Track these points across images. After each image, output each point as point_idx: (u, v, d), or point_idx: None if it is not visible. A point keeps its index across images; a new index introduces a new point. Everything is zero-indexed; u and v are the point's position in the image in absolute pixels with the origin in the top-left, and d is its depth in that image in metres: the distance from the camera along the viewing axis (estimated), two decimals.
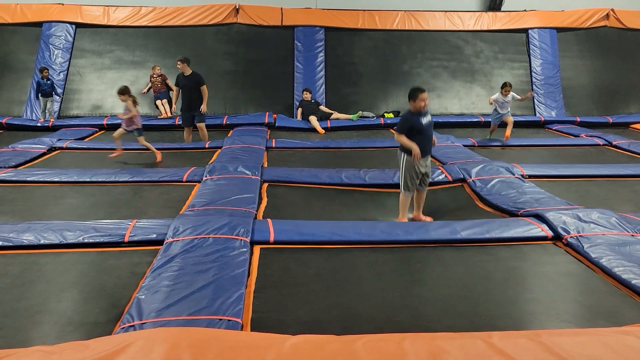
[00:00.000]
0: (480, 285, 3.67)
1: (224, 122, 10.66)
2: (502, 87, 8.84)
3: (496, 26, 12.78)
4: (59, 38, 11.79)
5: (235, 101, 11.69)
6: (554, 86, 12.37)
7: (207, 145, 8.42)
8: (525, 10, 12.99)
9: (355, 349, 2.52)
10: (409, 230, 4.49)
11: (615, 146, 8.64)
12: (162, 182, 6.18)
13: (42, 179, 6.18)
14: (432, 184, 6.15)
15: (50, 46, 11.69)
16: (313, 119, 10.67)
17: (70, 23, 11.93)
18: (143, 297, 3.23)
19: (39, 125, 10.42)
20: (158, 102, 11.23)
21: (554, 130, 10.79)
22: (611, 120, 11.57)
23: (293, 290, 3.55)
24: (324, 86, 11.92)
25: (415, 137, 5.20)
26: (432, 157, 6.61)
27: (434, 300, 3.46)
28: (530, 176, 6.41)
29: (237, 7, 12.26)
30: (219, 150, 7.85)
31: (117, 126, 10.46)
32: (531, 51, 12.61)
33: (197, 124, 8.86)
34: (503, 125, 8.96)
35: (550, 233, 4.44)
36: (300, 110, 11.18)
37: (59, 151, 8.19)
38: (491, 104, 9.01)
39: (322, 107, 11.21)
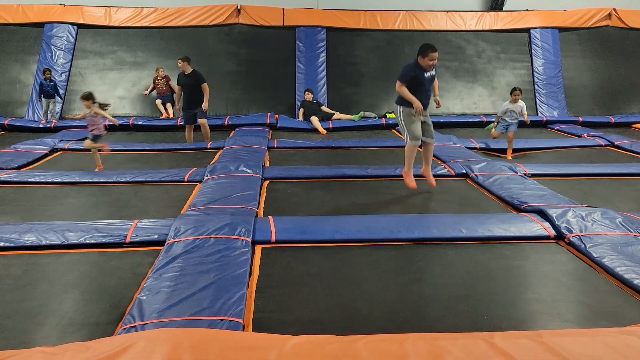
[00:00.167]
0: (482, 284, 3.67)
1: (226, 122, 10.68)
2: (511, 92, 8.09)
3: (498, 26, 12.78)
4: (61, 39, 11.82)
5: (237, 102, 11.70)
6: (556, 86, 12.36)
7: (208, 146, 8.43)
8: (527, 10, 12.99)
9: (356, 349, 2.51)
10: (411, 227, 4.48)
11: (618, 146, 8.62)
12: (163, 182, 6.19)
13: (43, 180, 6.19)
14: (434, 176, 6.19)
15: (52, 47, 11.71)
16: (315, 120, 10.67)
17: (72, 24, 11.96)
18: (144, 297, 3.23)
19: (41, 126, 10.44)
20: (158, 101, 11.24)
21: (556, 130, 10.79)
22: (613, 120, 11.56)
23: (294, 290, 3.55)
24: (325, 86, 11.93)
25: (415, 92, 5.22)
26: (434, 156, 6.65)
27: (435, 299, 3.46)
28: (532, 175, 6.41)
29: (239, 7, 12.27)
30: (221, 151, 7.87)
31: (118, 126, 10.53)
32: (533, 51, 12.60)
33: (199, 120, 8.87)
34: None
35: (552, 232, 4.44)
36: (301, 110, 11.18)
37: (61, 152, 8.20)
38: (497, 124, 8.24)
39: (324, 108, 11.22)
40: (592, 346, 2.57)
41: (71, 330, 3.03)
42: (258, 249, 4.15)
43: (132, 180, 6.21)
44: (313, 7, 12.70)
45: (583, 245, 4.12)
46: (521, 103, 8.09)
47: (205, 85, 8.66)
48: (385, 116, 11.33)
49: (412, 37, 12.45)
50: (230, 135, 9.43)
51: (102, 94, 11.57)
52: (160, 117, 11.14)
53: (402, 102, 5.40)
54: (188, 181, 6.22)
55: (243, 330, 2.97)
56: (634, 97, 12.53)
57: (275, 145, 8.52)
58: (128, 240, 4.23)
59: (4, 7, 11.94)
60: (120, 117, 11.06)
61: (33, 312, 3.23)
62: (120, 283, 3.62)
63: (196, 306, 3.11)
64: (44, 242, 4.17)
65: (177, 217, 4.66)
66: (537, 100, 12.08)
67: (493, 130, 8.40)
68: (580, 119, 11.46)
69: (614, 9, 12.97)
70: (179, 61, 8.68)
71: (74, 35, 11.93)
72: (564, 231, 4.37)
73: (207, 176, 6.15)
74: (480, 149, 8.51)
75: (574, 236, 4.28)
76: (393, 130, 10.61)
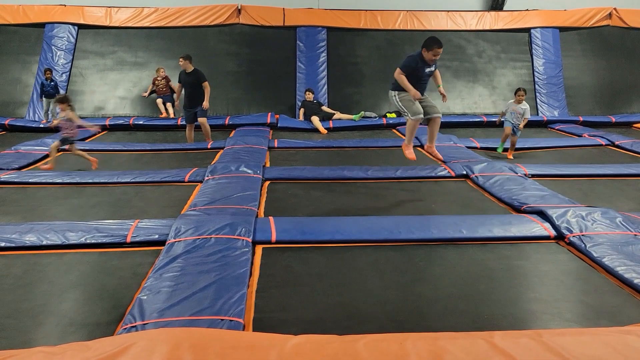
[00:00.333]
0: (482, 284, 3.67)
1: (227, 122, 10.69)
2: (515, 93, 7.87)
3: (498, 26, 12.78)
4: (62, 39, 11.83)
5: (238, 101, 11.71)
6: (557, 85, 12.36)
7: (209, 146, 8.44)
8: (527, 10, 12.98)
9: (357, 349, 2.51)
10: (411, 228, 4.49)
11: (618, 146, 8.62)
12: (164, 183, 6.20)
13: (44, 180, 6.20)
14: (435, 177, 6.20)
15: (53, 47, 11.72)
16: (315, 119, 10.68)
17: (73, 24, 11.98)
18: (145, 297, 3.23)
19: (42, 126, 10.44)
20: (159, 100, 11.25)
21: (557, 129, 10.79)
22: (614, 120, 11.56)
23: (295, 290, 3.55)
24: (326, 86, 11.93)
25: (412, 84, 5.26)
26: (434, 156, 6.66)
27: (436, 299, 3.46)
28: (533, 175, 6.41)
29: (239, 7, 12.28)
30: (221, 151, 7.87)
31: (120, 127, 10.58)
32: (534, 51, 12.60)
33: (199, 119, 8.88)
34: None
35: (552, 232, 4.44)
36: (302, 110, 11.19)
37: (61, 152, 8.19)
38: (499, 123, 8.26)
39: (325, 108, 11.22)
40: (593, 346, 2.57)
41: (72, 330, 3.03)
42: (258, 249, 4.16)
43: (133, 180, 6.22)
44: (313, 7, 12.70)
45: (583, 245, 4.12)
46: (525, 105, 7.80)
47: (206, 84, 8.67)
48: (385, 116, 11.34)
49: (412, 37, 12.44)
50: (231, 135, 9.44)
51: (103, 94, 11.63)
52: (160, 117, 11.15)
53: (398, 87, 5.44)
54: (189, 181, 6.22)
55: (243, 330, 2.97)
56: (634, 96, 12.53)
57: (276, 145, 8.52)
58: (129, 240, 4.24)
59: (4, 8, 11.95)
60: (120, 117, 11.12)
61: (34, 312, 3.23)
62: (120, 283, 3.63)
63: (197, 306, 3.11)
64: (44, 242, 4.17)
65: (177, 217, 4.67)
66: (538, 100, 12.08)
67: (505, 130, 7.99)
68: (581, 119, 11.46)
69: (615, 9, 12.96)
70: (181, 60, 8.70)
71: (75, 36, 11.94)
72: (564, 231, 4.37)
73: (207, 176, 6.15)
74: (481, 148, 8.52)
75: (574, 236, 4.28)
76: (394, 130, 10.62)
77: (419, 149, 6.28)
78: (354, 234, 4.39)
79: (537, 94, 12.14)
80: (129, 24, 12.11)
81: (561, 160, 7.81)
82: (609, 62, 12.76)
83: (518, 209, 5.15)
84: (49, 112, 10.75)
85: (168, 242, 4.08)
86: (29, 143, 8.39)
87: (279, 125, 10.65)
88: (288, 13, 12.34)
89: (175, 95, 9.57)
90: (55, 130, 10.08)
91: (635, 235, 4.29)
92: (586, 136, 9.53)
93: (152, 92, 11.41)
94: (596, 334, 2.71)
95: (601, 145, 8.79)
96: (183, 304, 3.14)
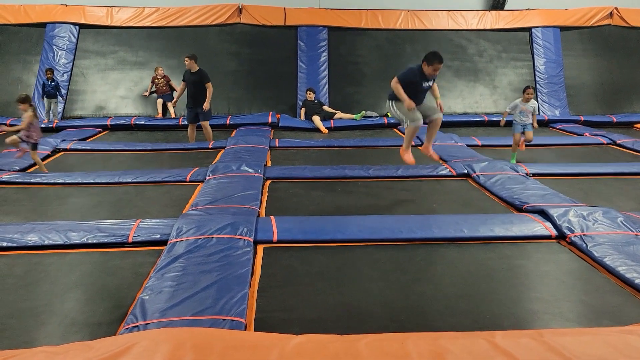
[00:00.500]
0: (483, 284, 3.68)
1: (228, 122, 10.69)
2: (523, 91, 7.54)
3: (499, 25, 12.77)
4: (63, 39, 11.83)
5: (239, 101, 11.71)
6: (558, 85, 12.35)
7: (210, 146, 8.44)
8: (528, 9, 12.97)
9: (358, 349, 2.52)
10: (412, 227, 4.49)
11: (619, 145, 8.62)
12: (165, 182, 6.20)
13: (46, 181, 6.21)
14: (436, 176, 6.19)
15: (54, 47, 11.73)
16: (316, 119, 10.68)
17: (74, 24, 11.97)
18: (147, 297, 3.24)
19: (43, 126, 10.42)
20: (159, 100, 11.26)
21: (558, 129, 10.78)
22: (615, 119, 11.54)
23: (297, 290, 3.56)
24: (327, 86, 11.93)
25: (411, 95, 5.29)
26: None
27: (437, 298, 3.46)
28: (534, 174, 6.41)
29: (240, 7, 12.27)
30: (223, 150, 7.88)
31: (120, 127, 10.59)
32: (535, 50, 12.59)
33: (202, 123, 8.89)
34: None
35: (554, 232, 4.44)
36: (303, 110, 11.18)
37: (63, 152, 8.21)
38: (503, 124, 7.99)
39: (326, 107, 11.22)
40: (594, 345, 2.57)
41: (74, 330, 3.04)
42: (260, 248, 4.16)
43: (134, 180, 6.22)
44: (314, 6, 12.69)
45: (584, 245, 4.12)
46: (533, 103, 7.59)
47: (209, 85, 8.67)
48: (387, 115, 11.31)
49: (413, 37, 12.45)
50: (232, 134, 9.45)
51: (104, 93, 11.63)
52: (156, 117, 11.16)
53: (395, 97, 5.48)
54: (190, 181, 6.23)
55: (245, 329, 2.98)
56: (635, 96, 12.51)
57: (277, 145, 8.52)
58: (130, 240, 4.24)
59: (5, 8, 11.96)
60: (121, 116, 11.12)
61: (36, 312, 3.24)
62: (122, 283, 3.63)
63: (198, 306, 3.12)
64: (46, 242, 4.18)
65: (179, 216, 4.67)
66: (539, 100, 12.07)
67: (514, 137, 7.69)
68: (582, 118, 11.44)
69: (616, 8, 12.94)
70: (186, 59, 8.70)
71: (76, 35, 11.94)
72: (566, 231, 4.37)
73: (209, 176, 6.16)
74: (483, 145, 8.53)
75: (575, 236, 4.28)
76: (395, 129, 10.62)
77: (419, 147, 6.26)
78: (355, 234, 4.39)
79: (539, 94, 12.12)
80: (130, 24, 12.11)
81: (562, 159, 7.81)
82: (610, 62, 12.74)
83: (519, 209, 5.16)
84: (50, 112, 10.76)
85: (170, 241, 4.08)
86: None
87: (280, 124, 10.65)
88: (289, 13, 12.34)
89: (176, 94, 9.56)
90: (56, 130, 10.13)
91: (637, 235, 4.29)
92: (587, 135, 9.53)
93: (152, 92, 11.41)
94: (597, 334, 2.71)
95: (602, 144, 8.79)
96: (185, 303, 3.15)
